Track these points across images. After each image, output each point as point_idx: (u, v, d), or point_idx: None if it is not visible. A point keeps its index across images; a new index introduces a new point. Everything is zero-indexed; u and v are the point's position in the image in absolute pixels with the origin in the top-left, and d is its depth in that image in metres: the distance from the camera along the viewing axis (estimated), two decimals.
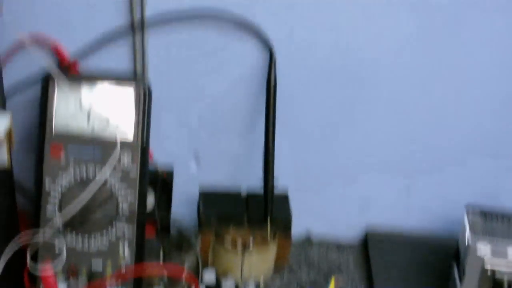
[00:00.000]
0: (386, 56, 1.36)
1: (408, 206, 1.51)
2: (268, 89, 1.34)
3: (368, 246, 1.49)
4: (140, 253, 1.27)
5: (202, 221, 1.36)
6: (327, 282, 1.34)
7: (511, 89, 1.40)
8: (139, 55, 1.34)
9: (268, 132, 1.34)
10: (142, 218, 1.28)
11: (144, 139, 1.28)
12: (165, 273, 1.26)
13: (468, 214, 1.37)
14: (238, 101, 1.39)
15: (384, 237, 1.51)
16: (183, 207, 1.44)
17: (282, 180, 1.39)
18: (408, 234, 1.52)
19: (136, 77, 1.36)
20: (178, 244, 1.35)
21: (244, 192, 1.42)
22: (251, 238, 1.35)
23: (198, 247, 1.30)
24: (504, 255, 1.29)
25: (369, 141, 1.44)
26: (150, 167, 1.33)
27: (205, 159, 1.44)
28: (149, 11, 1.31)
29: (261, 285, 1.38)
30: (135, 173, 1.27)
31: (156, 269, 1.28)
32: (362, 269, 1.46)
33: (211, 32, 1.33)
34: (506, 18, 1.33)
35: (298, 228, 1.45)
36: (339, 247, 1.50)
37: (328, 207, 1.50)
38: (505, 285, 1.30)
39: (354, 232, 1.52)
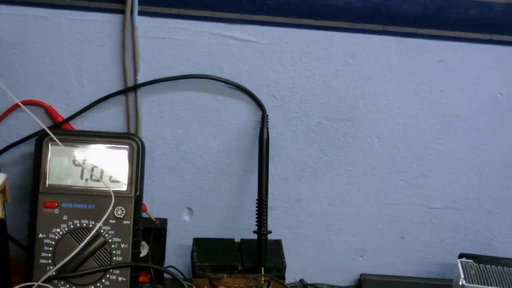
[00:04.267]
0: (379, 101, 1.37)
1: (402, 253, 1.51)
2: (260, 145, 1.35)
3: None
4: None
5: (196, 269, 1.35)
6: None
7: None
8: (132, 112, 1.35)
9: (261, 184, 1.35)
10: (135, 266, 1.27)
11: (138, 189, 1.28)
12: None
13: (462, 259, 1.38)
14: (231, 156, 1.40)
15: (378, 281, 1.51)
16: (176, 255, 1.44)
17: (276, 229, 1.39)
18: (402, 278, 1.52)
19: (129, 131, 1.37)
20: None
21: (237, 240, 1.41)
22: (245, 285, 1.34)
23: None
24: None
25: (363, 190, 1.45)
26: (144, 217, 1.32)
27: (198, 211, 1.44)
28: (141, 76, 1.33)
29: None
30: (128, 221, 1.27)
31: None
32: None
33: (204, 92, 1.35)
34: None
35: (291, 273, 1.45)
36: None
37: (323, 255, 1.50)
38: None
39: (348, 277, 1.52)
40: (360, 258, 1.51)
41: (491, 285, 1.31)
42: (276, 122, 1.37)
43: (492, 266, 1.36)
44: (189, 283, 1.33)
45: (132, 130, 1.36)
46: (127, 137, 1.31)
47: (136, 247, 1.28)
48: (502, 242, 1.50)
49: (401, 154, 1.42)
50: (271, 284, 1.38)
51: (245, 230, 1.40)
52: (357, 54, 1.33)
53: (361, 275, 1.51)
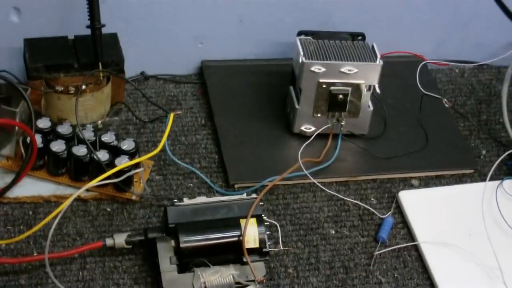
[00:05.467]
0: None
1: (242, 36, 1.49)
2: None
3: (205, 76, 1.48)
4: None
5: (30, 70, 1.30)
6: (166, 117, 1.32)
7: None
8: None
9: None
10: None
11: None
12: None
13: (300, 37, 1.38)
14: None
15: (220, 67, 1.50)
16: (8, 59, 1.37)
17: (111, 23, 1.34)
18: (244, 61, 1.51)
19: None
20: (7, 97, 1.29)
21: (71, 37, 1.35)
22: (83, 82, 1.30)
23: (29, 98, 1.25)
24: (337, 71, 1.32)
25: None
26: None
27: (26, 10, 1.36)
28: None
29: (99, 126, 1.36)
30: None
31: None
32: (201, 99, 1.46)
33: None
34: None
35: (132, 67, 1.42)
36: (176, 81, 1.48)
37: (162, 45, 1.46)
38: (340, 98, 1.34)
39: (189, 65, 1.50)
40: (200, 45, 1.48)
41: (330, 60, 1.33)
42: None
43: (330, 41, 1.38)
44: (24, 86, 1.27)
45: None
46: None
47: None
48: (339, 17, 1.50)
49: None
50: (110, 79, 1.35)
51: (79, 26, 1.33)
52: None
53: (202, 61, 1.50)
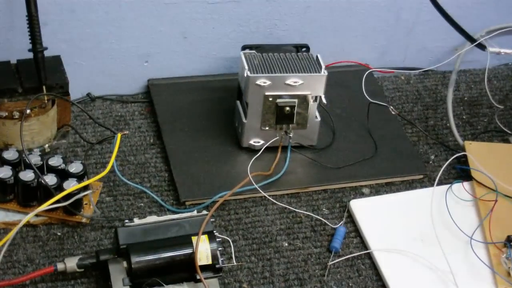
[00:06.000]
0: None
1: (187, 53, 1.49)
2: None
3: (152, 95, 1.47)
4: None
5: None
6: (114, 137, 1.31)
7: None
8: None
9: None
10: None
11: None
12: None
13: (245, 51, 1.38)
14: None
15: (166, 85, 1.49)
16: None
17: (54, 45, 1.32)
18: (190, 78, 1.51)
19: None
20: None
21: (13, 61, 1.34)
22: (27, 106, 1.29)
23: None
24: (282, 83, 1.33)
25: None
26: None
27: None
28: None
29: (46, 149, 1.35)
30: None
31: None
32: (149, 118, 1.45)
33: None
34: None
35: (77, 89, 1.41)
36: (123, 101, 1.47)
37: (107, 66, 1.45)
38: (287, 110, 1.34)
39: (136, 84, 1.50)
40: (145, 64, 1.48)
41: (275, 72, 1.33)
42: None
43: (275, 54, 1.38)
44: None
45: None
46: None
47: None
48: (283, 29, 1.51)
49: None
50: (56, 102, 1.34)
51: (21, 50, 1.32)
52: None
53: (148, 80, 1.49)
